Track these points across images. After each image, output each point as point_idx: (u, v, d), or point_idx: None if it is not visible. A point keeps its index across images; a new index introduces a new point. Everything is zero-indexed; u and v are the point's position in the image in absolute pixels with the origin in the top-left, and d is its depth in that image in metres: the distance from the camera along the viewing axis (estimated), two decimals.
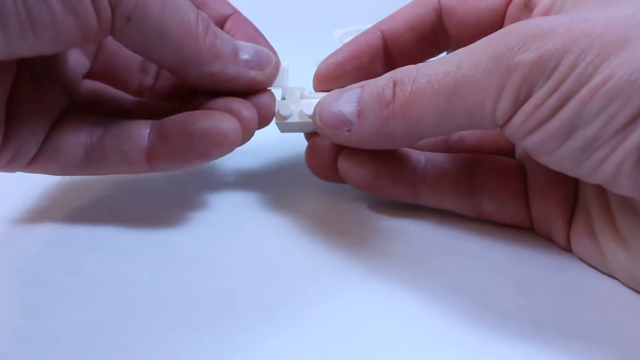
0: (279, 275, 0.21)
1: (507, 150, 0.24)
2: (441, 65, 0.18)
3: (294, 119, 0.23)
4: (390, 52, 0.24)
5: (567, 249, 0.21)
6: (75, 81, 0.23)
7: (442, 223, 0.23)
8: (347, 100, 0.21)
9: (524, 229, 0.22)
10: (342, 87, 0.23)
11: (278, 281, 0.20)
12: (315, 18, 0.41)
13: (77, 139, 0.21)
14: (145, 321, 0.19)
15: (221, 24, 0.23)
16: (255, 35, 0.23)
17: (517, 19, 0.21)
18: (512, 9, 0.22)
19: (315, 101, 0.22)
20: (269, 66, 0.22)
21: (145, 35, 0.19)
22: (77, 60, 0.23)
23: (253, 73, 0.22)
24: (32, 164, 0.21)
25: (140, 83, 0.25)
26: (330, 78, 0.23)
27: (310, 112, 0.22)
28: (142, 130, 0.21)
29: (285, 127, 0.23)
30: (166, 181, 0.26)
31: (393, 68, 0.24)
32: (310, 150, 0.23)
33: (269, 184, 0.26)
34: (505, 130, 0.18)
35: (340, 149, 0.22)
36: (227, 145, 0.21)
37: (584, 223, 0.21)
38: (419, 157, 0.23)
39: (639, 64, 0.15)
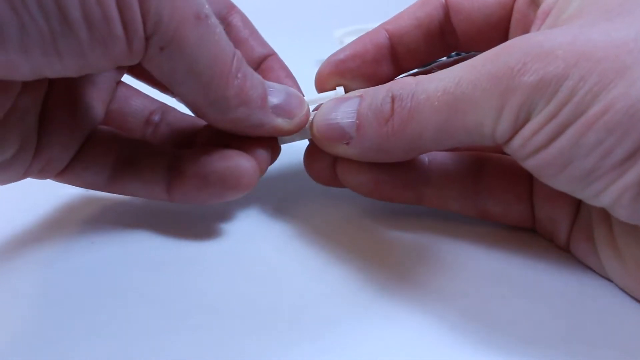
0: (278, 278, 0.21)
1: None
2: (441, 81, 0.18)
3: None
4: (396, 50, 0.23)
5: (567, 250, 0.21)
6: (105, 101, 0.23)
7: (442, 227, 0.23)
8: (345, 112, 0.20)
9: (525, 229, 0.22)
10: (344, 85, 0.23)
11: (276, 284, 0.20)
12: (315, 18, 0.41)
13: (103, 161, 0.22)
14: (145, 322, 0.19)
15: (256, 65, 0.23)
16: (288, 82, 0.23)
17: (524, 15, 0.21)
18: (519, 5, 0.22)
19: (313, 107, 0.22)
20: (299, 114, 0.21)
21: (175, 67, 0.18)
22: (109, 81, 0.23)
23: (279, 121, 0.21)
24: (60, 175, 0.22)
25: (143, 135, 0.24)
26: (332, 76, 0.23)
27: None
28: (163, 164, 0.22)
29: (284, 139, 0.23)
30: None
31: (400, 67, 0.23)
32: (308, 156, 0.23)
33: (269, 187, 0.26)
34: (506, 149, 0.18)
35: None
36: (243, 188, 0.21)
37: (584, 227, 0.21)
38: (422, 157, 0.22)
39: (638, 96, 0.15)
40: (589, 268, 0.21)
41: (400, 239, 0.22)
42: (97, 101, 0.22)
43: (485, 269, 0.21)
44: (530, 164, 0.17)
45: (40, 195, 0.25)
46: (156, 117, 0.24)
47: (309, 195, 0.25)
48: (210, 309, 0.19)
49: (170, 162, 0.22)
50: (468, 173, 0.22)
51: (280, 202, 0.25)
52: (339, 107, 0.20)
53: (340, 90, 0.23)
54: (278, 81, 0.22)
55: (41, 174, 0.21)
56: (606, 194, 0.16)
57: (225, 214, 0.24)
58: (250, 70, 0.20)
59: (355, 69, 0.23)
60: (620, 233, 0.19)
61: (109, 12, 0.15)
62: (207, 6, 0.18)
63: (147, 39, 0.17)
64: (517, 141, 0.17)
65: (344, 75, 0.23)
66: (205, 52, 0.18)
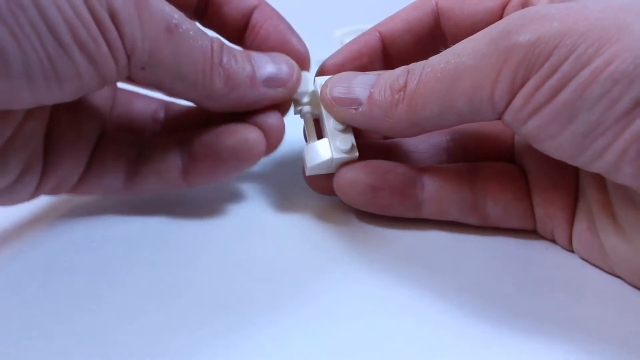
0: (280, 276, 0.21)
1: (506, 157, 0.24)
2: (444, 55, 0.19)
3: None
4: (388, 52, 0.24)
5: (569, 247, 0.21)
6: (106, 109, 0.23)
7: (442, 225, 0.23)
8: (361, 82, 0.21)
9: (527, 231, 0.22)
10: None
11: (279, 281, 0.20)
12: (315, 18, 0.41)
13: (115, 166, 0.22)
14: (144, 320, 0.19)
15: (247, 17, 0.23)
16: (283, 28, 0.23)
17: None
18: (509, 12, 0.22)
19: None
20: (290, 81, 0.22)
21: (160, 79, 0.19)
22: (105, 91, 0.24)
23: (272, 92, 0.21)
24: (75, 189, 0.22)
25: (152, 133, 0.25)
26: None
27: (346, 146, 0.21)
28: (174, 152, 0.22)
29: (312, 170, 0.22)
30: None
31: (391, 67, 0.23)
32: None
33: (269, 185, 0.26)
34: (505, 116, 0.18)
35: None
36: (254, 158, 0.21)
37: (585, 219, 0.21)
38: (418, 168, 0.22)
39: None
40: (592, 265, 0.21)
41: (400, 237, 0.22)
42: (98, 109, 0.23)
43: (487, 266, 0.21)
44: (531, 126, 0.17)
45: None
46: (161, 114, 0.25)
47: (309, 193, 0.25)
48: (209, 306, 0.19)
49: (181, 148, 0.22)
50: (464, 177, 0.22)
51: (280, 200, 0.25)
52: (355, 77, 0.21)
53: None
54: (273, 28, 0.23)
55: (54, 191, 0.22)
56: (610, 151, 0.16)
57: (224, 213, 0.24)
58: (233, 52, 0.21)
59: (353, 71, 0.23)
60: (624, 215, 0.19)
61: (94, 33, 0.17)
62: (176, 14, 0.19)
63: (129, 58, 0.18)
64: (517, 101, 0.17)
65: None
66: (184, 58, 0.19)
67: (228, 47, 0.21)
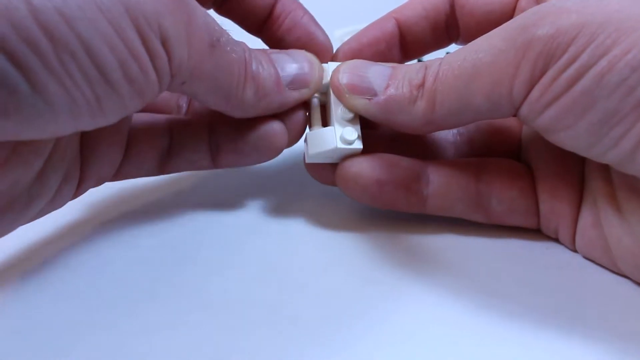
0: (280, 276, 0.21)
1: (513, 152, 0.24)
2: (461, 52, 0.19)
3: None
4: (404, 39, 0.24)
5: (572, 246, 0.21)
6: None
7: (445, 224, 0.23)
8: (377, 73, 0.20)
9: (530, 230, 0.22)
10: None
11: (279, 281, 0.20)
12: (315, 18, 0.41)
13: (149, 156, 0.22)
14: (145, 320, 0.19)
15: (270, 7, 0.23)
16: (307, 20, 0.23)
17: None
18: (522, 5, 0.22)
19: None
20: (312, 81, 0.21)
21: (195, 92, 0.19)
22: None
23: (296, 94, 0.21)
24: (111, 180, 0.22)
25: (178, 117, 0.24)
26: None
27: (352, 136, 0.21)
28: (204, 142, 0.22)
29: (312, 158, 0.22)
30: (167, 181, 0.26)
31: (408, 55, 0.24)
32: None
33: (270, 184, 0.26)
34: (521, 110, 0.18)
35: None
36: (276, 151, 0.22)
37: (590, 214, 0.21)
38: (423, 163, 0.22)
39: None
40: (595, 264, 0.21)
41: (402, 237, 0.22)
42: None
43: (488, 266, 0.21)
44: (548, 116, 0.17)
45: None
46: (182, 101, 0.25)
47: (310, 193, 0.25)
48: (211, 306, 0.19)
49: (210, 138, 0.22)
50: (470, 174, 0.22)
51: (281, 200, 0.25)
52: (371, 67, 0.21)
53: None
54: (298, 20, 0.23)
55: (93, 186, 0.21)
56: (627, 139, 0.16)
57: (225, 213, 0.24)
58: (258, 57, 0.20)
59: (370, 57, 0.23)
60: (630, 208, 0.19)
61: (145, 65, 0.16)
62: (217, 27, 0.18)
63: (172, 77, 0.17)
64: (535, 93, 0.17)
65: None
66: (223, 72, 0.19)
67: (253, 51, 0.20)
